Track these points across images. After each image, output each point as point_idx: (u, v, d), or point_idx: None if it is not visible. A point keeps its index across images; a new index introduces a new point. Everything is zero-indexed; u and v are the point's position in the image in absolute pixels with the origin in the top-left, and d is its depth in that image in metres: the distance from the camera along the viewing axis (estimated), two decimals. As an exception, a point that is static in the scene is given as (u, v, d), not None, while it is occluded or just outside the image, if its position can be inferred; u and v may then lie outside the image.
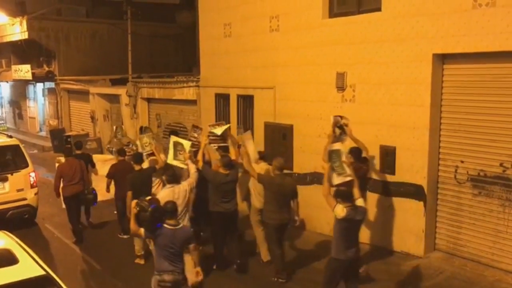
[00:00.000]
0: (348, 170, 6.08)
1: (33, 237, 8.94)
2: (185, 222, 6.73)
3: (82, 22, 20.36)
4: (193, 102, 12.55)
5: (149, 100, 14.89)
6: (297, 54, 9.28)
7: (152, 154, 8.48)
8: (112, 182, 8.96)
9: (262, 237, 7.71)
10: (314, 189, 8.96)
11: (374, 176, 8.14)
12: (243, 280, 7.30)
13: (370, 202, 8.22)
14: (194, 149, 7.82)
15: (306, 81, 9.16)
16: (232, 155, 7.65)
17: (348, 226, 5.50)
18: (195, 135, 8.38)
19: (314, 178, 9.08)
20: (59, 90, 20.46)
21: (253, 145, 8.27)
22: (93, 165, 10.04)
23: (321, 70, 8.82)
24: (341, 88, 8.51)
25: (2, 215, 9.38)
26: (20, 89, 24.26)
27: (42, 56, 20.28)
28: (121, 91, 15.74)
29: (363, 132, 8.20)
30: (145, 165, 8.37)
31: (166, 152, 8.43)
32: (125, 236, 8.90)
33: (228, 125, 8.11)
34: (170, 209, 5.50)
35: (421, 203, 7.54)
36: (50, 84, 21.29)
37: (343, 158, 6.15)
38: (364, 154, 7.36)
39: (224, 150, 8.00)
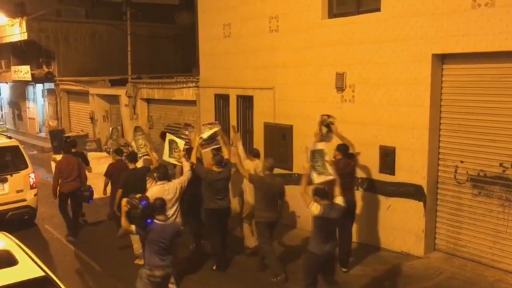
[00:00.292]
0: (330, 170, 6.19)
1: (33, 238, 8.91)
2: (178, 219, 6.98)
3: (82, 23, 20.37)
4: (192, 103, 12.55)
5: (148, 101, 14.89)
6: (296, 54, 9.28)
7: (147, 154, 8.68)
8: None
9: (249, 229, 8.18)
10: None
11: (374, 176, 8.15)
12: (243, 280, 7.30)
13: (370, 202, 8.24)
14: (187, 147, 7.99)
15: (305, 82, 9.16)
16: (225, 154, 7.79)
17: (324, 223, 5.72)
18: (186, 133, 8.55)
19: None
20: (58, 91, 20.46)
21: (241, 146, 8.51)
22: (87, 163, 10.13)
23: (321, 71, 8.82)
24: (340, 88, 8.50)
25: (2, 216, 9.36)
26: (20, 90, 24.25)
27: (41, 57, 20.28)
28: (120, 91, 15.74)
29: (362, 132, 8.22)
30: (139, 164, 8.55)
31: (158, 152, 8.73)
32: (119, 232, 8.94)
33: (217, 128, 8.15)
34: (159, 205, 5.72)
35: (421, 203, 7.54)
36: (49, 85, 21.29)
37: (326, 158, 6.28)
38: (351, 151, 7.51)
39: (217, 149, 8.11)
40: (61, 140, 17.33)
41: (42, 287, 4.55)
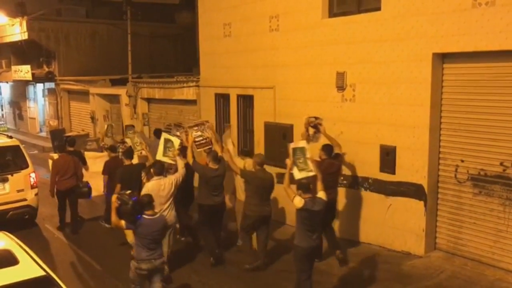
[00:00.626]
0: (311, 166, 6.42)
1: (33, 238, 8.93)
2: (171, 212, 7.24)
3: (82, 23, 20.37)
4: (193, 102, 12.56)
5: (149, 100, 14.90)
6: (297, 54, 9.28)
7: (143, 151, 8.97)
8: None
9: None
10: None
11: (374, 175, 8.15)
12: (245, 279, 7.31)
13: (370, 202, 8.24)
14: (181, 146, 8.12)
15: (306, 81, 9.16)
16: (218, 151, 7.93)
17: (307, 216, 5.94)
18: (178, 133, 8.71)
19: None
20: (59, 90, 20.47)
21: (231, 143, 8.88)
22: (84, 162, 10.32)
23: (321, 70, 8.82)
24: (341, 87, 8.50)
25: (3, 216, 9.38)
26: (20, 90, 24.27)
27: (42, 57, 20.28)
28: (121, 91, 15.75)
29: (363, 131, 8.22)
30: (134, 161, 8.80)
31: (151, 148, 9.01)
32: (106, 225, 9.27)
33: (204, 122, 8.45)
34: (146, 202, 5.96)
35: (422, 202, 7.54)
36: (50, 85, 21.30)
37: (307, 155, 6.51)
38: (338, 151, 7.70)
39: (209, 148, 8.27)
40: (61, 140, 17.33)
41: (43, 286, 4.56)
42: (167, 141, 8.01)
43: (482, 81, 6.95)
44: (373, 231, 8.26)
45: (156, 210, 6.30)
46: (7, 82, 24.33)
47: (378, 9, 7.85)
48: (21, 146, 10.35)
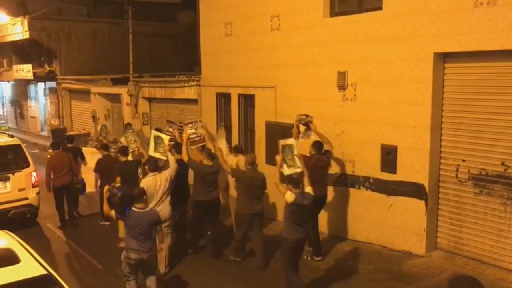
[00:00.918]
0: (298, 163, 6.70)
1: (35, 237, 8.95)
2: (166, 206, 7.44)
3: (83, 22, 20.39)
4: (194, 102, 12.56)
5: (150, 100, 14.90)
6: (298, 53, 9.28)
7: (137, 149, 9.37)
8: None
9: None
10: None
11: (375, 175, 8.15)
12: (246, 279, 7.32)
13: (371, 201, 8.24)
14: (172, 143, 8.40)
15: (307, 80, 9.16)
16: (211, 148, 8.19)
17: (297, 209, 6.19)
18: (170, 130, 9.00)
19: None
20: (60, 89, 20.49)
21: (225, 142, 9.18)
22: (83, 158, 10.64)
23: (322, 69, 8.82)
24: (342, 87, 8.50)
25: (4, 215, 9.40)
26: (22, 89, 24.30)
27: (43, 56, 20.31)
28: (122, 90, 15.76)
29: (364, 131, 8.21)
30: (129, 158, 9.12)
31: (147, 146, 9.20)
32: (106, 223, 9.71)
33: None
34: (137, 194, 6.16)
35: (423, 202, 7.54)
36: (51, 84, 21.33)
37: (295, 152, 6.79)
38: (328, 148, 7.90)
39: (202, 146, 8.60)
40: (63, 139, 17.40)
41: (44, 285, 4.56)
42: (157, 138, 8.35)
43: (483, 80, 6.94)
44: (374, 231, 8.26)
45: (151, 205, 6.57)
46: (8, 81, 24.36)
47: (379, 8, 7.85)
48: (23, 145, 10.37)
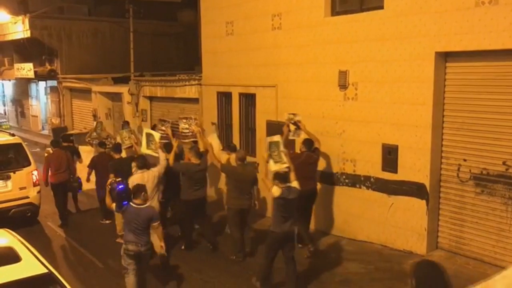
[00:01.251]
0: (285, 159, 6.94)
1: (36, 235, 8.96)
2: (154, 203, 7.59)
3: (84, 21, 20.40)
4: (195, 101, 12.56)
5: (151, 99, 14.90)
6: (299, 52, 9.27)
7: (131, 147, 9.61)
8: (93, 173, 9.82)
9: None
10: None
11: (376, 174, 8.14)
12: (246, 277, 7.32)
13: (372, 200, 8.24)
14: (164, 141, 8.74)
15: (308, 80, 9.15)
16: (201, 146, 8.47)
17: (283, 203, 6.41)
18: (163, 128, 9.25)
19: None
20: (61, 88, 20.50)
21: (216, 139, 9.57)
22: (79, 156, 10.96)
23: (323, 68, 8.81)
24: (343, 86, 8.49)
25: (5, 213, 9.41)
26: (23, 88, 24.32)
27: (44, 55, 20.33)
28: (123, 89, 15.76)
29: (365, 130, 8.21)
30: (123, 155, 9.35)
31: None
32: (107, 221, 9.82)
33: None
34: (135, 190, 6.38)
35: (424, 201, 7.53)
36: (52, 83, 21.34)
37: (282, 148, 7.04)
38: (317, 145, 8.19)
39: (195, 142, 8.99)
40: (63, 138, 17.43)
41: (45, 284, 4.57)
42: (148, 135, 8.67)
43: (485, 80, 6.93)
44: (375, 230, 8.25)
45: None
46: (9, 80, 24.39)
47: (381, 7, 7.83)
48: (24, 144, 10.38)
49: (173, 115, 13.78)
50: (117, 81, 17.14)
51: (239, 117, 10.95)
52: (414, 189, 7.62)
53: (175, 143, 8.43)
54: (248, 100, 10.76)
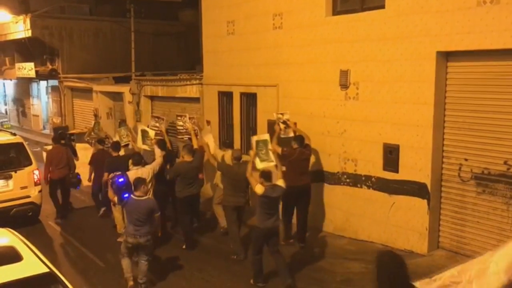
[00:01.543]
0: (272, 157, 7.18)
1: (37, 235, 8.97)
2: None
3: (86, 20, 20.37)
4: (196, 100, 12.55)
5: (152, 98, 14.90)
6: (300, 52, 9.27)
7: (128, 145, 9.93)
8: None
9: (221, 211, 8.81)
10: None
11: (377, 174, 8.14)
12: (247, 277, 7.32)
13: (373, 200, 8.23)
14: (158, 137, 9.18)
15: (309, 79, 9.14)
16: (194, 144, 8.78)
17: (267, 201, 6.67)
18: (157, 124, 9.65)
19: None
20: (62, 88, 20.51)
21: (212, 138, 9.75)
22: (75, 154, 11.18)
23: (325, 68, 8.80)
24: (344, 86, 8.49)
25: (6, 213, 9.42)
26: (24, 87, 24.32)
27: (45, 54, 20.31)
28: (124, 89, 15.76)
29: (366, 130, 8.20)
30: (121, 153, 9.61)
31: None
32: (102, 210, 10.20)
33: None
34: (135, 183, 6.82)
35: (425, 201, 7.53)
36: (53, 82, 21.33)
37: (269, 147, 7.26)
38: (307, 142, 8.36)
39: (189, 139, 9.34)
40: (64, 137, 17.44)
41: (46, 283, 4.58)
42: (143, 131, 9.16)
43: (486, 79, 6.92)
44: (376, 229, 8.25)
45: None
46: (10, 80, 24.39)
47: (382, 7, 7.83)
48: (25, 143, 10.40)
49: (174, 115, 13.79)
50: (118, 80, 17.14)
51: (240, 117, 10.95)
52: (415, 189, 7.61)
53: (167, 139, 8.90)
54: (249, 99, 10.76)
